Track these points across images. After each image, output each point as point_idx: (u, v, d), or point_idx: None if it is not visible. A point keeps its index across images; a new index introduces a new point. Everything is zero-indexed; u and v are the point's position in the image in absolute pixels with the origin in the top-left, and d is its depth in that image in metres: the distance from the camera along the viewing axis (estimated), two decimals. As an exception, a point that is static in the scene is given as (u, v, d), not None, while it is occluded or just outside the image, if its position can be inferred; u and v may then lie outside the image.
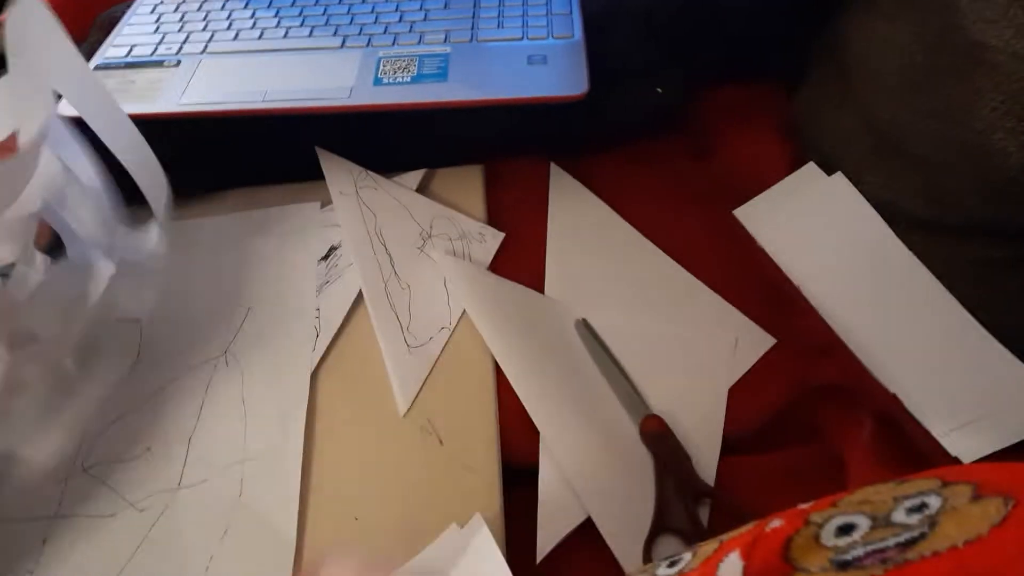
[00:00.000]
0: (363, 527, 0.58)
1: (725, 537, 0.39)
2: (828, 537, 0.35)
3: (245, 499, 0.59)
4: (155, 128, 0.68)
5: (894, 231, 0.65)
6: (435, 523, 0.56)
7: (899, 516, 0.34)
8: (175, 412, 0.64)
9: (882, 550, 0.32)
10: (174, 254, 0.71)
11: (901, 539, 0.32)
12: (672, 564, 0.41)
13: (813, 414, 0.61)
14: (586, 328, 0.66)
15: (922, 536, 0.32)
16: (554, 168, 0.74)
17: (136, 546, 0.58)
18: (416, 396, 0.63)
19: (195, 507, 0.59)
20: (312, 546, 0.57)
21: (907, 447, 0.57)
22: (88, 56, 0.74)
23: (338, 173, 0.72)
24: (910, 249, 0.64)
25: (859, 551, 0.33)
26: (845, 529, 0.35)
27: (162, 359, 0.66)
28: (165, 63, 0.72)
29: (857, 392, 0.60)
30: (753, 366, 0.64)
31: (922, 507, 0.34)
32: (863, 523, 0.35)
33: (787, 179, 0.70)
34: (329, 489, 0.59)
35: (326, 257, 0.70)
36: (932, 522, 0.32)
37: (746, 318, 0.66)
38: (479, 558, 0.54)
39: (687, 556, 0.41)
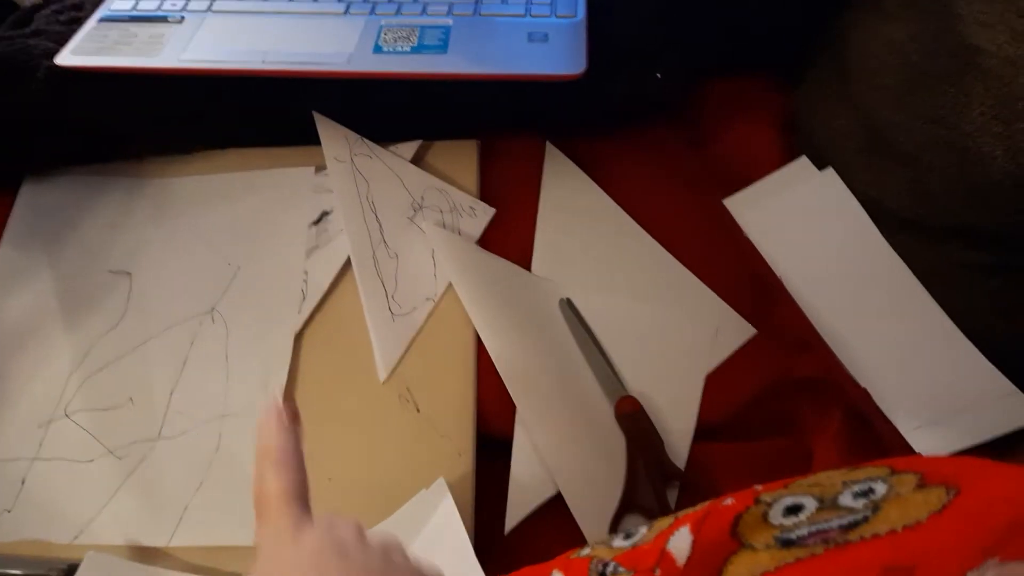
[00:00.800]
0: (336, 488, 0.59)
1: (680, 514, 0.40)
2: (776, 516, 0.36)
3: (222, 453, 0.60)
4: (154, 83, 0.69)
5: (880, 229, 0.65)
6: (407, 488, 0.57)
7: (846, 500, 0.35)
8: (159, 365, 0.65)
9: (825, 531, 0.33)
10: (167, 210, 0.72)
11: (844, 521, 0.33)
12: (627, 537, 0.42)
13: (788, 406, 0.62)
14: (569, 307, 0.66)
15: (864, 519, 0.33)
16: (549, 147, 0.75)
17: (112, 493, 0.59)
18: (397, 364, 0.63)
19: (173, 458, 0.60)
20: (285, 503, 0.58)
21: (873, 441, 0.58)
22: (93, 7, 0.75)
23: (334, 139, 0.72)
24: (894, 248, 0.64)
25: (803, 531, 0.34)
26: (793, 509, 0.36)
27: (149, 313, 0.67)
28: (169, 19, 0.72)
29: (831, 386, 0.61)
30: (732, 355, 0.64)
31: (868, 492, 0.35)
32: (810, 504, 0.36)
33: (778, 172, 0.70)
34: (305, 449, 0.60)
35: (317, 222, 0.70)
36: (875, 507, 0.33)
37: (728, 307, 0.66)
38: (443, 525, 0.55)
39: (643, 529, 0.42)
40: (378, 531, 0.44)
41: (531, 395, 0.62)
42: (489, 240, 0.70)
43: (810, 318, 0.64)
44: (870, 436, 0.58)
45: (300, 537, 0.40)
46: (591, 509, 0.59)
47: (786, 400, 0.62)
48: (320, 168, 0.73)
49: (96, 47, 0.69)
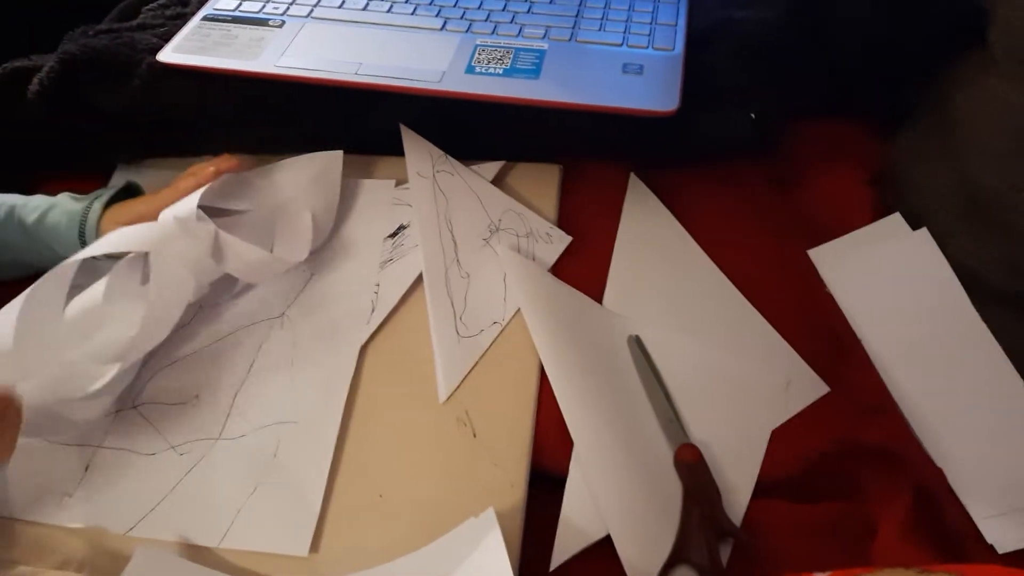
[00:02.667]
0: (386, 505, 0.59)
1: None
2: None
3: (279, 459, 0.61)
4: (250, 85, 0.70)
5: (972, 300, 0.62)
6: (456, 513, 0.57)
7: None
8: (227, 365, 0.66)
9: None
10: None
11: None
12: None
13: (853, 472, 0.60)
14: (638, 345, 0.65)
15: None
16: (633, 178, 0.74)
17: (171, 488, 0.60)
18: (458, 386, 0.63)
19: (231, 460, 0.61)
20: (335, 514, 0.58)
21: (942, 525, 0.55)
22: (199, 4, 0.76)
23: (418, 153, 0.73)
24: (986, 322, 0.61)
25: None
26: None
27: (222, 312, 0.68)
28: (270, 22, 0.74)
29: (902, 459, 0.58)
30: (801, 411, 0.62)
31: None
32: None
33: (869, 227, 0.68)
34: (359, 463, 0.61)
35: (393, 235, 0.71)
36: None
37: (802, 361, 0.64)
38: (488, 557, 0.54)
39: None
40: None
41: (590, 432, 0.61)
42: (563, 268, 0.69)
43: (886, 383, 0.61)
44: (939, 520, 0.56)
45: None
46: (640, 557, 0.57)
47: (852, 465, 0.60)
48: (401, 181, 0.73)
49: (197, 46, 0.71)
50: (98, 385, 0.59)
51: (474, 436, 0.61)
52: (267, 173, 0.72)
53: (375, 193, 0.73)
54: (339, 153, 0.72)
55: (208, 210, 0.67)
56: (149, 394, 0.65)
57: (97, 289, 0.63)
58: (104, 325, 0.62)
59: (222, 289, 0.69)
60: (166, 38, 0.73)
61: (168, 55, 0.70)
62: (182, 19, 0.75)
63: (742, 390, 0.63)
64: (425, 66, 0.68)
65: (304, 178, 0.71)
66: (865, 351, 0.63)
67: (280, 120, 0.73)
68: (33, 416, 0.57)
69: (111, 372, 0.60)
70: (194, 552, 0.57)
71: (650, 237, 0.71)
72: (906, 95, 0.71)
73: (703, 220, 0.71)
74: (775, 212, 0.71)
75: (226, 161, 0.68)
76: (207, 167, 0.68)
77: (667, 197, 0.72)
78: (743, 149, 0.72)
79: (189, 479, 0.61)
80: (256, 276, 0.68)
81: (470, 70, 0.68)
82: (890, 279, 0.65)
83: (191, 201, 0.65)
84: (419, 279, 0.68)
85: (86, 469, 0.61)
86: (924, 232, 0.66)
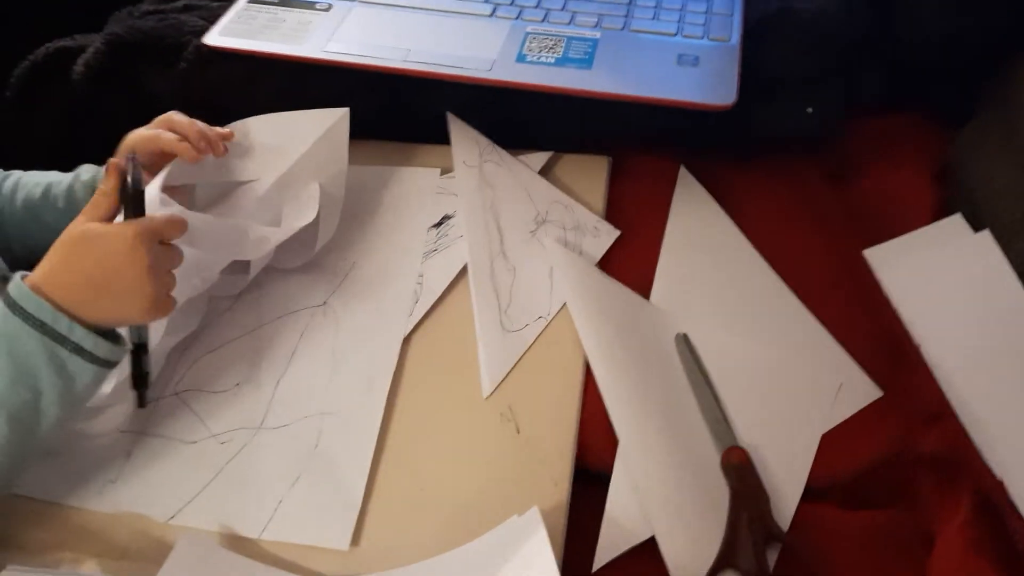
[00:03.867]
0: (428, 499, 0.58)
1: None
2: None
3: (320, 451, 0.60)
4: (296, 69, 0.69)
5: (1036, 304, 0.60)
6: (499, 510, 0.56)
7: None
8: (269, 353, 0.65)
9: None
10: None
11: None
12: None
13: (908, 480, 0.58)
14: (686, 344, 0.64)
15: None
16: (683, 172, 0.72)
17: (212, 476, 0.60)
18: (502, 381, 0.62)
19: (273, 449, 0.61)
20: (376, 508, 0.58)
21: (1004, 539, 0.54)
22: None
23: (465, 142, 0.71)
24: (1051, 328, 0.59)
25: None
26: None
27: (264, 298, 0.68)
28: (317, 5, 0.73)
29: (960, 468, 0.57)
30: (853, 415, 0.60)
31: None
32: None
33: (929, 227, 0.65)
34: (401, 456, 0.60)
35: (438, 225, 0.70)
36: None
37: (855, 364, 0.62)
38: (532, 556, 0.53)
39: None
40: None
41: (635, 431, 0.60)
42: (610, 262, 0.68)
43: (944, 390, 0.59)
44: (1001, 533, 0.54)
45: None
46: (686, 560, 0.56)
47: (907, 473, 0.58)
48: (446, 170, 0.72)
49: (244, 29, 0.70)
50: (105, 391, 0.59)
51: (517, 432, 0.60)
52: (267, 132, 0.68)
53: (420, 182, 0.72)
54: (345, 111, 0.68)
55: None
56: (191, 381, 0.64)
57: None
58: None
59: (263, 274, 0.68)
60: (212, 20, 0.72)
61: (214, 38, 0.69)
62: (228, 0, 0.74)
63: (792, 392, 0.62)
64: (475, 53, 0.67)
65: (309, 141, 0.67)
66: (922, 356, 0.61)
67: (326, 105, 0.72)
68: None
69: (112, 380, 0.59)
70: (234, 543, 0.57)
71: (699, 232, 0.69)
72: (970, 90, 0.68)
73: (755, 215, 0.69)
74: (831, 209, 0.69)
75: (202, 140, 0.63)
76: (184, 127, 0.63)
77: (718, 190, 0.71)
78: (800, 144, 0.70)
79: (230, 468, 0.60)
80: (261, 254, 0.66)
81: (521, 59, 0.67)
82: (950, 282, 0.63)
83: (155, 184, 0.61)
84: (463, 271, 0.67)
85: (128, 456, 0.61)
86: (986, 234, 0.63)
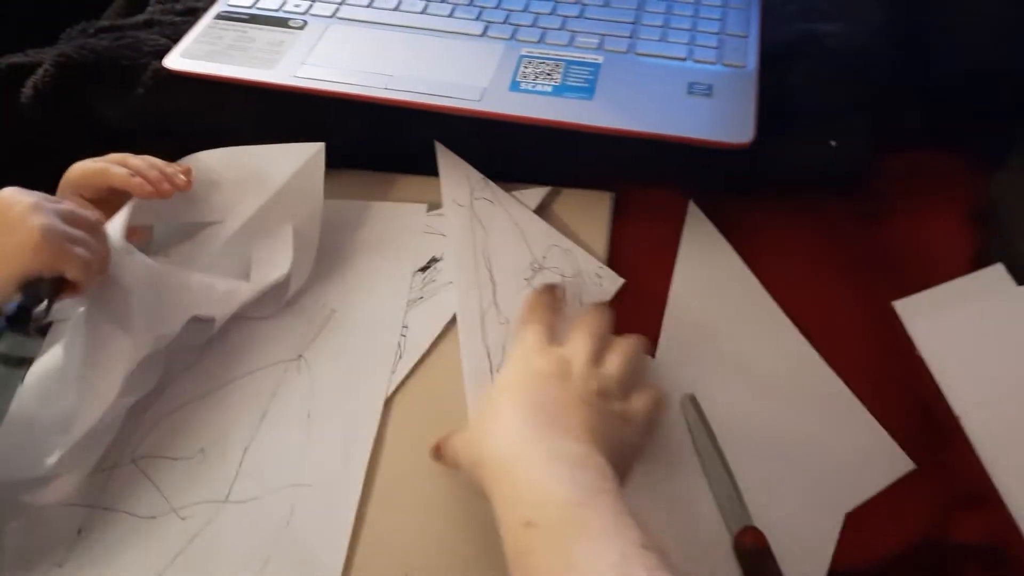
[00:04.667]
0: (413, 586, 0.52)
1: None
2: None
3: (292, 529, 0.54)
4: (265, 96, 0.63)
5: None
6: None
7: None
8: (236, 415, 0.59)
9: None
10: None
11: None
12: None
13: (943, 570, 0.52)
14: (693, 406, 0.57)
15: None
16: (692, 209, 0.66)
17: (172, 557, 0.54)
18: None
19: (240, 527, 0.55)
20: (354, 598, 0.52)
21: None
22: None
23: (455, 177, 0.65)
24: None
25: None
26: None
27: (232, 351, 0.61)
28: (290, 23, 0.66)
29: (1005, 561, 0.51)
30: (881, 492, 0.55)
31: None
32: None
33: (965, 277, 0.59)
34: (383, 535, 0.54)
35: (424, 269, 0.63)
36: None
37: (884, 432, 0.56)
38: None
39: None
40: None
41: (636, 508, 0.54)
42: (614, 312, 0.61)
43: (987, 467, 0.53)
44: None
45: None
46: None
47: (942, 562, 0.53)
48: (433, 205, 0.66)
49: (209, 50, 0.64)
50: (51, 460, 0.53)
51: (512, 508, 0.54)
52: (234, 168, 0.62)
53: (404, 219, 0.66)
54: (320, 146, 0.62)
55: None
56: (149, 446, 0.58)
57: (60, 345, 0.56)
58: (64, 390, 0.55)
59: (231, 323, 0.62)
60: (175, 37, 0.65)
61: (175, 61, 0.63)
62: (194, 15, 0.67)
63: (813, 462, 0.56)
64: (464, 80, 0.61)
65: (281, 179, 0.62)
66: (962, 427, 0.55)
67: (299, 134, 0.65)
68: None
69: (58, 449, 0.53)
70: (196, 637, 0.51)
71: (710, 279, 0.63)
72: (1009, 128, 0.62)
73: (770, 260, 0.63)
74: (856, 254, 0.63)
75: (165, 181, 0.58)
76: (139, 165, 0.58)
77: (731, 232, 0.64)
78: (823, 183, 0.63)
79: (192, 548, 0.54)
80: (228, 310, 0.61)
81: (515, 87, 0.60)
82: (992, 341, 0.57)
83: (115, 225, 0.56)
84: (452, 321, 0.61)
85: (78, 533, 0.55)
86: (1030, 287, 0.57)
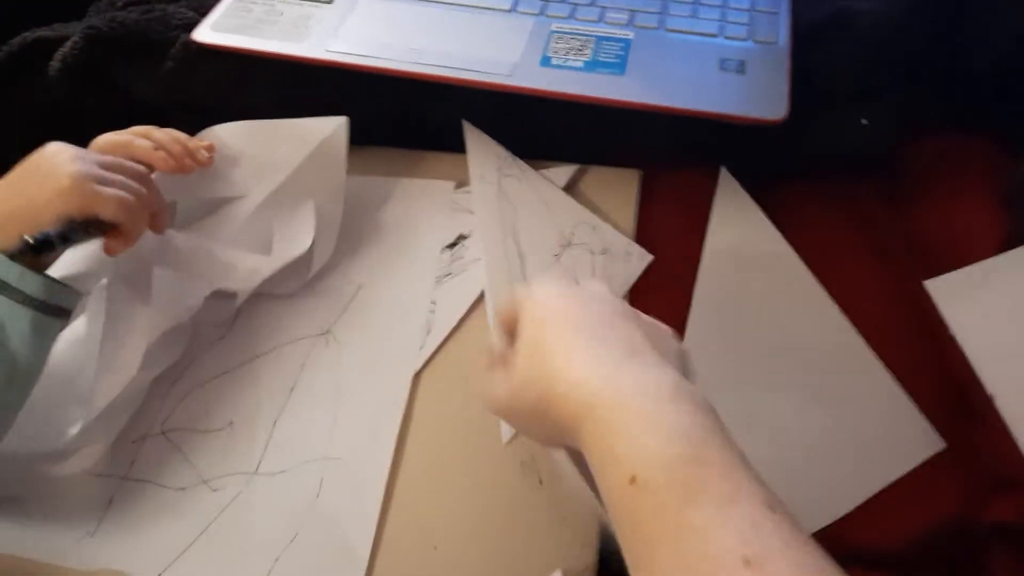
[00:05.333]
0: (441, 559, 0.52)
1: None
2: None
3: (322, 503, 0.54)
4: (294, 70, 0.63)
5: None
6: (518, 573, 0.51)
7: None
8: (266, 387, 0.59)
9: None
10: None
11: None
12: None
13: (975, 552, 0.52)
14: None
15: None
16: (724, 175, 0.65)
17: (202, 528, 0.54)
18: (522, 424, 0.56)
19: (269, 500, 0.55)
20: (383, 570, 0.52)
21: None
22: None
23: (483, 155, 0.65)
24: None
25: None
26: None
27: (260, 326, 0.61)
28: (319, -3, 0.65)
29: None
30: (911, 472, 0.54)
31: None
32: None
33: (997, 258, 0.59)
34: (411, 510, 0.54)
35: (452, 246, 0.63)
36: None
37: (917, 410, 0.56)
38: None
39: None
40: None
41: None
42: (643, 289, 0.61)
43: (1021, 447, 0.53)
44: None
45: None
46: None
47: (974, 544, 0.52)
48: (460, 183, 0.65)
49: (237, 23, 0.63)
50: (72, 431, 0.53)
51: (540, 483, 0.54)
52: (256, 142, 0.61)
53: (432, 196, 0.65)
54: (343, 120, 0.61)
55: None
56: (179, 418, 0.58)
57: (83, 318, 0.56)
58: (85, 361, 0.55)
59: (258, 299, 0.62)
60: (203, 12, 0.65)
61: (204, 34, 0.62)
62: (222, -13, 0.67)
63: (842, 438, 0.56)
64: (494, 55, 0.60)
65: (303, 153, 0.61)
66: (996, 407, 0.55)
67: (327, 109, 0.65)
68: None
69: (80, 420, 0.53)
70: (227, 606, 0.52)
71: (743, 249, 0.62)
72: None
73: (801, 240, 0.62)
74: (888, 234, 0.62)
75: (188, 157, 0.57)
76: (162, 139, 0.57)
77: (763, 205, 0.64)
78: (856, 162, 0.63)
79: (222, 519, 0.54)
80: (250, 284, 0.60)
81: (545, 62, 0.60)
82: (1024, 322, 0.57)
83: None
84: (480, 298, 0.60)
85: (109, 503, 0.55)
86: (1063, 266, 0.57)
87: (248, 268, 0.58)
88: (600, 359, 0.39)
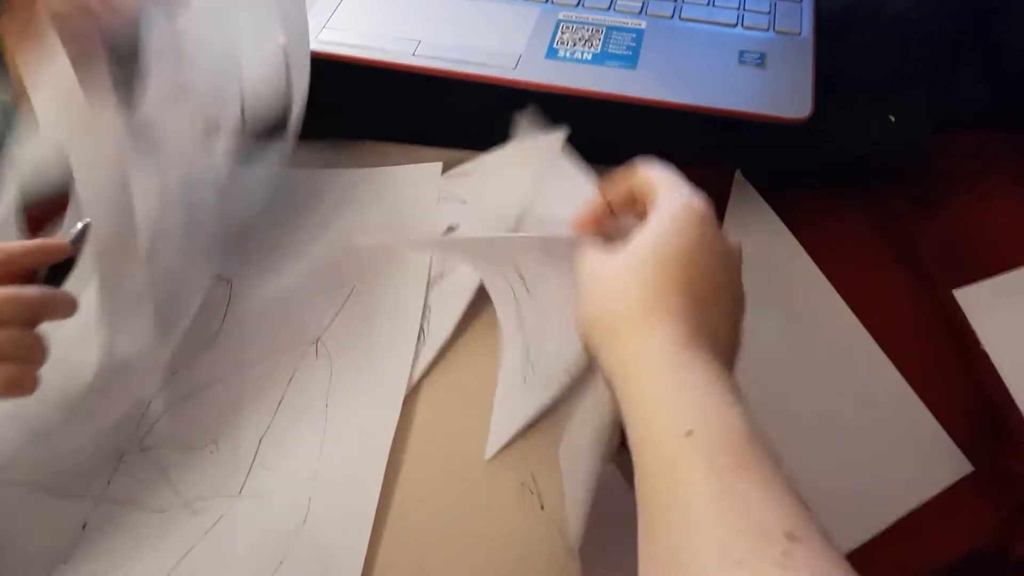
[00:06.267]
0: (430, 585, 0.49)
1: None
2: None
3: (309, 528, 0.51)
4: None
5: None
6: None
7: None
8: (251, 402, 0.55)
9: None
10: (277, 207, 0.62)
11: None
12: None
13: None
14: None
15: None
16: (738, 178, 0.62)
17: (183, 554, 0.51)
18: (511, 440, 0.52)
19: (254, 524, 0.51)
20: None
21: None
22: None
23: None
24: None
25: None
26: None
27: (248, 334, 0.58)
28: (311, -21, 0.61)
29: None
30: (936, 496, 0.51)
31: None
32: None
33: (1032, 266, 0.56)
34: (404, 536, 0.51)
35: (443, 237, 0.59)
36: None
37: (943, 431, 0.53)
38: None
39: None
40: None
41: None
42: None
43: (1056, 472, 0.50)
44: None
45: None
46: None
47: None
48: (449, 165, 0.61)
49: (224, 12, 0.59)
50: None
51: (541, 508, 0.51)
52: None
53: (420, 186, 0.61)
54: None
55: None
56: (159, 434, 0.55)
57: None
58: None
59: (247, 301, 0.59)
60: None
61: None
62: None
63: (862, 459, 0.53)
64: (498, 46, 0.57)
65: None
66: (1029, 430, 0.51)
67: (318, 102, 0.61)
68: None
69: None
70: (208, 640, 0.48)
71: (756, 254, 0.59)
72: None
73: (822, 245, 0.59)
74: (913, 240, 0.59)
75: None
76: None
77: (779, 213, 0.60)
78: (880, 162, 0.59)
79: (204, 545, 0.51)
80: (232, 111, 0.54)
81: (551, 54, 0.56)
82: (1063, 335, 0.53)
83: None
84: (474, 301, 0.57)
85: (83, 527, 0.52)
86: (1103, 277, 0.54)
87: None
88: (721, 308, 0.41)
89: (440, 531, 0.51)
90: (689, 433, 0.33)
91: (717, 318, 0.40)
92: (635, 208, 0.46)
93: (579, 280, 0.44)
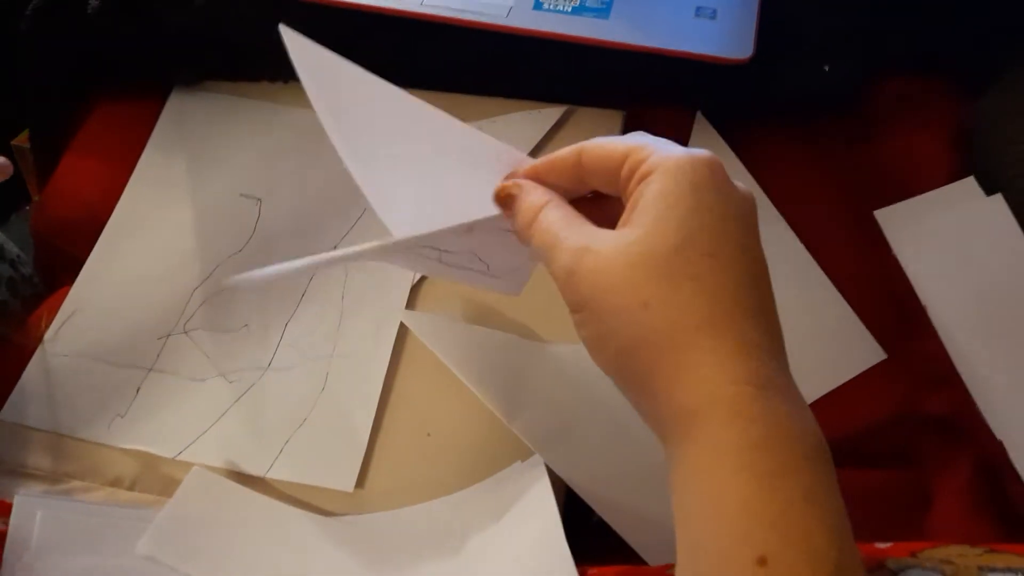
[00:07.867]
0: (434, 444, 0.59)
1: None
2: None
3: (327, 395, 0.61)
4: (319, 11, 0.67)
5: (1046, 271, 0.60)
6: (504, 457, 0.56)
7: (984, 590, 0.32)
8: (278, 295, 0.65)
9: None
10: (301, 141, 0.71)
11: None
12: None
13: (910, 442, 0.59)
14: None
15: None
16: (699, 119, 0.71)
17: (219, 415, 0.60)
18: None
19: (280, 390, 0.61)
20: (381, 452, 0.58)
21: (1003, 502, 0.54)
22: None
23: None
24: (1059, 294, 0.59)
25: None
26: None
27: (274, 241, 0.67)
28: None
29: (963, 432, 0.57)
30: (855, 377, 0.61)
31: (1009, 586, 0.32)
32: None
33: (940, 190, 0.65)
34: (407, 401, 0.60)
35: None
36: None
37: (862, 324, 0.62)
38: (534, 502, 0.53)
39: None
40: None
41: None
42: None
43: (950, 353, 0.59)
44: (1000, 496, 0.54)
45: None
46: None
47: (909, 435, 0.59)
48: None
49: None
50: None
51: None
52: None
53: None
54: None
55: None
56: (199, 320, 0.64)
57: None
58: None
59: (274, 217, 0.68)
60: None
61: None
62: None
63: (794, 349, 0.61)
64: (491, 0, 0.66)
65: None
66: (929, 318, 0.61)
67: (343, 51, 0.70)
68: None
69: None
70: (242, 480, 0.58)
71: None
72: (996, 52, 0.67)
73: (771, 172, 0.68)
74: (846, 169, 0.68)
75: None
76: None
77: (733, 146, 0.70)
78: (821, 103, 0.69)
79: (238, 407, 0.61)
80: None
81: (538, 6, 0.66)
82: (960, 246, 0.63)
83: None
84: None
85: (137, 391, 0.62)
86: (998, 198, 0.63)
87: None
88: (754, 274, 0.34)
89: (441, 398, 0.60)
90: (762, 562, 0.29)
91: (764, 289, 0.36)
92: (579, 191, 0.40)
93: (559, 263, 0.35)
